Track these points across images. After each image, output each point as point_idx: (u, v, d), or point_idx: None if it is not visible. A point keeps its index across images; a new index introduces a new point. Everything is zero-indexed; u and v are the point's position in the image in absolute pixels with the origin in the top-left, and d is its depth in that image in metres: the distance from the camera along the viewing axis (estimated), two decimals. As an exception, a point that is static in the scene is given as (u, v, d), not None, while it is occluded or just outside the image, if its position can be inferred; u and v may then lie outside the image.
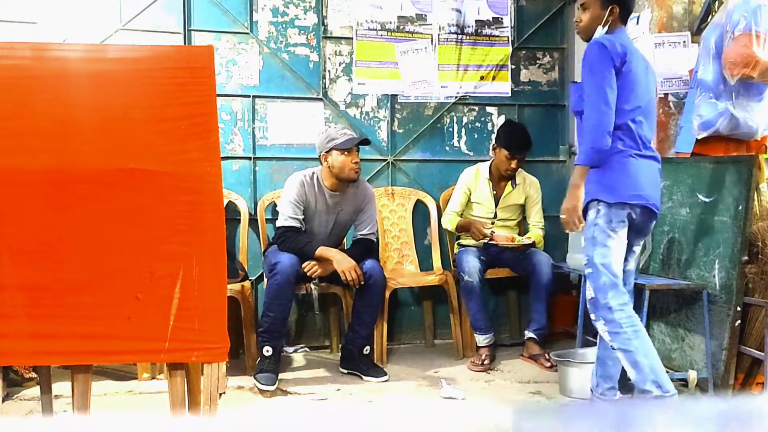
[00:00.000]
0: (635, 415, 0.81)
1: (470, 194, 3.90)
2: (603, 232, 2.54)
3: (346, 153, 3.37)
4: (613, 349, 2.54)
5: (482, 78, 4.24)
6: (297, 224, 3.41)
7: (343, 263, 3.30)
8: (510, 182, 3.89)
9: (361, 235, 3.53)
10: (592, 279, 2.57)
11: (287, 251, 3.34)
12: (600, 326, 2.57)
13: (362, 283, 3.34)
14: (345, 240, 3.78)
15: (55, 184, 2.02)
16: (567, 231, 2.68)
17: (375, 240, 3.59)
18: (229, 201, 3.84)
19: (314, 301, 3.59)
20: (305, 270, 3.34)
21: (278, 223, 3.45)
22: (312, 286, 3.50)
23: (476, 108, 4.28)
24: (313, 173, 3.49)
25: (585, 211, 2.60)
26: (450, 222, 3.88)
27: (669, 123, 3.86)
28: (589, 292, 2.58)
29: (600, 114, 2.49)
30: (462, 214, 3.91)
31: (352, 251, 3.43)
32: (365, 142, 3.48)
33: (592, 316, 2.59)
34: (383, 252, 4.03)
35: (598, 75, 2.50)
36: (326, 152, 3.41)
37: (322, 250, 3.34)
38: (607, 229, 2.53)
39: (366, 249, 3.50)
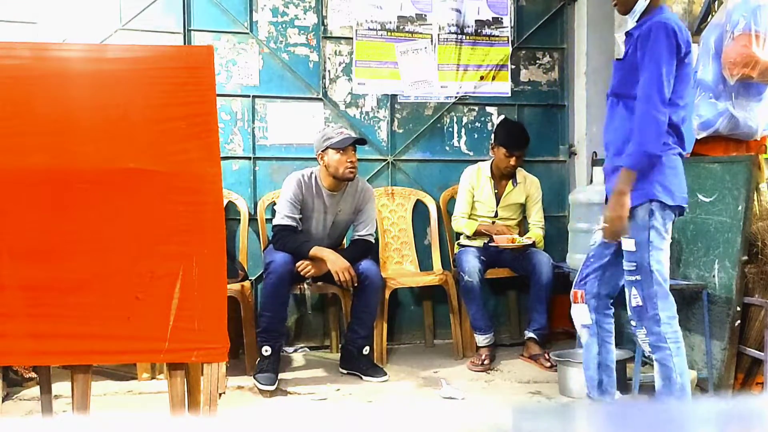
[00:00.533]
0: (635, 415, 0.81)
1: (474, 192, 3.90)
2: (659, 235, 2.37)
3: (342, 152, 3.37)
4: (651, 359, 2.43)
5: (482, 78, 4.24)
6: (293, 223, 3.41)
7: (336, 263, 3.30)
8: (511, 181, 3.89)
9: (358, 236, 3.52)
10: (640, 286, 2.39)
11: (282, 250, 3.34)
12: (641, 335, 2.43)
13: (356, 284, 3.34)
14: (345, 240, 3.78)
15: (55, 184, 2.02)
16: (607, 240, 2.43)
17: (373, 241, 3.58)
18: (229, 201, 3.84)
19: (307, 300, 3.60)
20: (298, 269, 3.34)
21: (274, 222, 3.45)
22: (305, 286, 3.50)
23: (476, 108, 4.28)
24: (312, 173, 3.49)
25: (631, 211, 2.38)
26: (467, 226, 3.85)
27: (669, 123, 3.86)
28: (636, 300, 2.41)
29: (657, 113, 2.27)
30: (470, 214, 3.91)
31: (348, 252, 3.43)
32: (361, 141, 3.48)
33: (633, 323, 2.45)
34: (383, 252, 4.03)
35: (662, 66, 2.25)
36: (322, 151, 3.41)
37: (315, 250, 3.34)
38: (663, 231, 2.37)
39: (363, 250, 3.49)
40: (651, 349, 2.41)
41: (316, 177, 3.48)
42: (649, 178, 2.34)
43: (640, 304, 2.40)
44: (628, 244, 2.41)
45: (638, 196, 2.36)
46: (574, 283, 2.67)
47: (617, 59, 2.52)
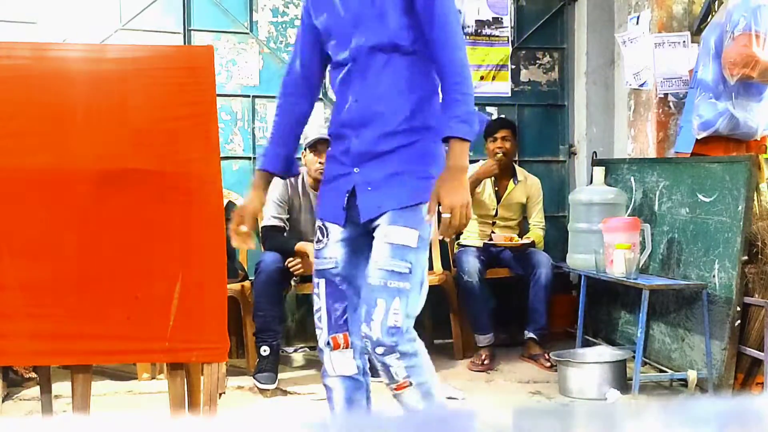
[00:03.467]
0: (635, 415, 0.81)
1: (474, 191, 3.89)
2: (429, 237, 1.86)
3: (314, 153, 3.38)
4: (408, 385, 1.82)
5: (482, 78, 4.24)
6: (280, 223, 3.44)
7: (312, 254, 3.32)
8: (512, 180, 3.88)
9: None
10: (406, 298, 1.77)
11: (271, 250, 3.38)
12: (394, 361, 1.79)
13: None
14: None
15: (55, 184, 2.02)
16: (447, 237, 1.82)
17: None
18: (229, 201, 3.83)
19: (288, 298, 3.62)
20: (288, 266, 3.34)
21: (262, 224, 3.48)
22: (291, 284, 3.52)
23: (476, 108, 4.27)
24: (299, 173, 3.52)
25: (414, 209, 1.84)
26: None
27: (669, 123, 3.87)
28: (395, 318, 1.75)
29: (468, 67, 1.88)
30: None
31: None
32: (325, 141, 3.49)
33: (380, 349, 1.78)
34: (383, 252, 4.03)
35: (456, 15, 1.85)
36: (304, 150, 3.45)
37: (300, 245, 3.36)
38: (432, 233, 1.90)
39: None
40: (408, 374, 1.80)
41: (303, 177, 3.51)
42: (428, 171, 1.87)
43: (399, 324, 1.76)
44: (408, 237, 1.79)
45: (425, 190, 1.82)
46: (325, 327, 1.93)
47: None
